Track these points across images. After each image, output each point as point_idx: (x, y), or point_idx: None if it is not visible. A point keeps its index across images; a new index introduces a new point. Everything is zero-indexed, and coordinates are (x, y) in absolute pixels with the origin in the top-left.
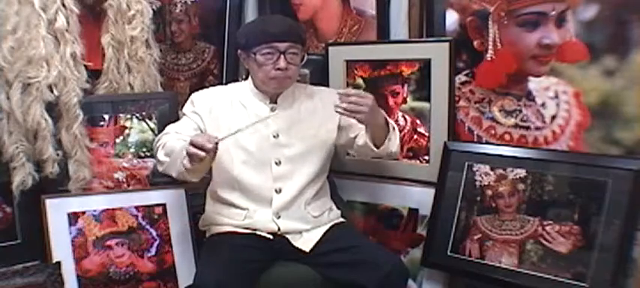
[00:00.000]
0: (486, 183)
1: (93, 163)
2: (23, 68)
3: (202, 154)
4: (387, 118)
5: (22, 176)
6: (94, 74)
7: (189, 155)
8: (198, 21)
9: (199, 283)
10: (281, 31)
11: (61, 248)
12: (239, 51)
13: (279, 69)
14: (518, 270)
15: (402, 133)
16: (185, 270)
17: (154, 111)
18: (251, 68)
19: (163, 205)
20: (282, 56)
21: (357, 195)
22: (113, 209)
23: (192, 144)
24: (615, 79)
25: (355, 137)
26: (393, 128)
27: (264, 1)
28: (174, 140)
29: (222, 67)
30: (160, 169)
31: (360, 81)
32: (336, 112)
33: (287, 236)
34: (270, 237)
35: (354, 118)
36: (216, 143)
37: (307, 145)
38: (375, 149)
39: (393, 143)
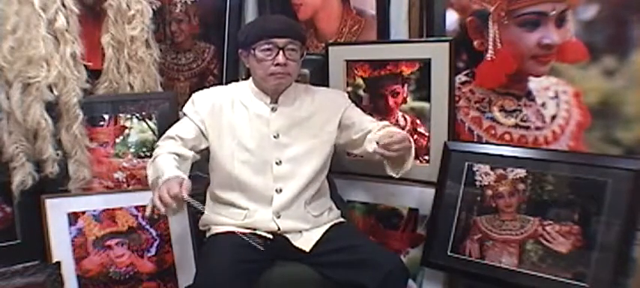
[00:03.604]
0: (486, 183)
1: (93, 163)
2: (23, 68)
3: (163, 209)
4: (410, 138)
5: (22, 176)
6: (94, 74)
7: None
8: (198, 21)
9: (199, 283)
10: (280, 28)
11: (61, 248)
12: (239, 50)
13: (278, 64)
14: (518, 270)
15: None
16: (185, 270)
17: (154, 111)
18: (251, 66)
19: None
20: (281, 52)
21: (357, 195)
22: (113, 209)
23: (159, 196)
24: (615, 79)
25: (358, 138)
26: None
27: (264, 1)
28: (164, 160)
29: (222, 67)
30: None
31: (360, 81)
32: (376, 152)
33: (287, 236)
34: (270, 237)
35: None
36: (179, 197)
37: (308, 145)
38: (394, 175)
39: (409, 164)
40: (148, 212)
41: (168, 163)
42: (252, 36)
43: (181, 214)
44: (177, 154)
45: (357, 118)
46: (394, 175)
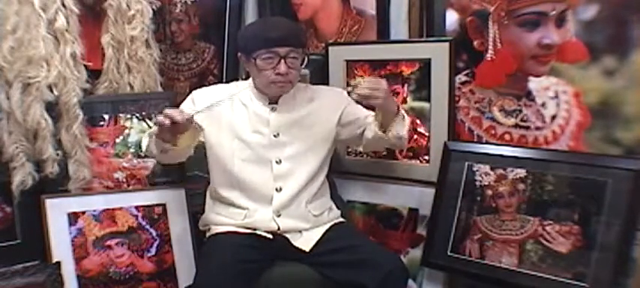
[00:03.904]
0: (486, 183)
1: (93, 163)
2: (23, 68)
3: (167, 122)
4: (398, 104)
5: (22, 176)
6: (94, 74)
7: (160, 126)
8: (198, 21)
9: (199, 283)
10: (281, 36)
11: (61, 248)
12: (239, 53)
13: (279, 74)
14: (518, 270)
15: None
16: (185, 270)
17: (154, 111)
18: (251, 72)
19: (163, 205)
20: (282, 61)
21: (357, 195)
22: (113, 209)
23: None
24: (615, 79)
25: (362, 132)
26: (403, 116)
27: (264, 1)
28: None
29: (222, 67)
30: (145, 152)
31: (360, 81)
32: (352, 98)
33: (287, 235)
34: (270, 236)
35: (370, 103)
36: (190, 117)
37: (307, 144)
38: (382, 134)
39: (401, 126)
40: (154, 132)
41: None
42: (252, 43)
43: (181, 213)
44: None
45: (358, 113)
46: (386, 136)
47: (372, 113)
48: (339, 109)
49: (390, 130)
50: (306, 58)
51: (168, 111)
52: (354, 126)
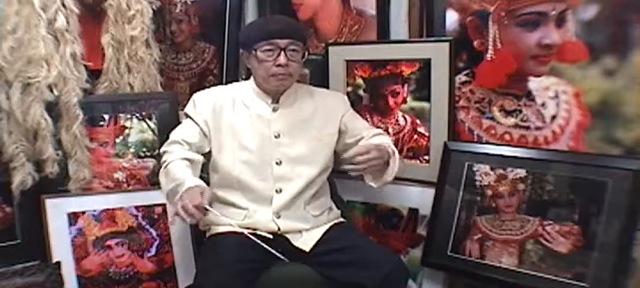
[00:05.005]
0: (486, 183)
1: (93, 163)
2: (23, 68)
3: (188, 219)
4: (390, 145)
5: (22, 176)
6: (94, 74)
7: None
8: (198, 21)
9: (199, 283)
10: (281, 28)
11: (60, 248)
12: (241, 50)
13: (279, 65)
14: (519, 270)
15: (402, 133)
16: (185, 270)
17: (154, 111)
18: (252, 66)
19: (163, 205)
20: (282, 53)
21: (357, 195)
22: (113, 209)
23: (183, 206)
24: (615, 79)
25: (351, 143)
26: (393, 152)
27: (265, 1)
28: (178, 167)
29: (222, 67)
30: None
31: (360, 81)
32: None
33: (287, 236)
34: (270, 237)
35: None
36: (205, 208)
37: (309, 146)
38: (373, 185)
39: (390, 175)
40: (170, 221)
41: (184, 171)
42: (253, 36)
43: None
44: (189, 160)
45: (353, 123)
46: (373, 185)
47: (374, 129)
48: (339, 115)
49: (380, 180)
50: (305, 53)
51: (181, 213)
52: (345, 135)
